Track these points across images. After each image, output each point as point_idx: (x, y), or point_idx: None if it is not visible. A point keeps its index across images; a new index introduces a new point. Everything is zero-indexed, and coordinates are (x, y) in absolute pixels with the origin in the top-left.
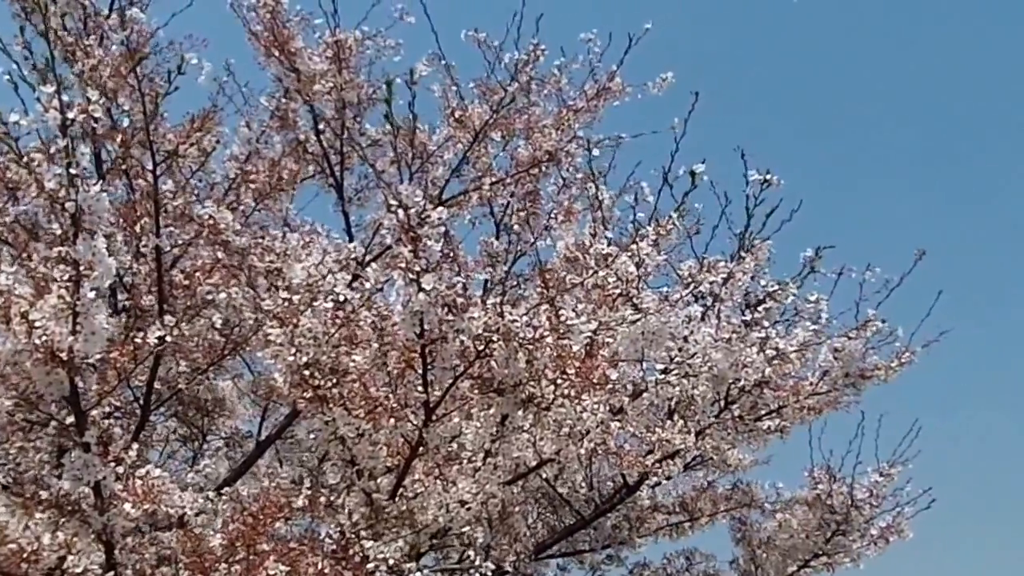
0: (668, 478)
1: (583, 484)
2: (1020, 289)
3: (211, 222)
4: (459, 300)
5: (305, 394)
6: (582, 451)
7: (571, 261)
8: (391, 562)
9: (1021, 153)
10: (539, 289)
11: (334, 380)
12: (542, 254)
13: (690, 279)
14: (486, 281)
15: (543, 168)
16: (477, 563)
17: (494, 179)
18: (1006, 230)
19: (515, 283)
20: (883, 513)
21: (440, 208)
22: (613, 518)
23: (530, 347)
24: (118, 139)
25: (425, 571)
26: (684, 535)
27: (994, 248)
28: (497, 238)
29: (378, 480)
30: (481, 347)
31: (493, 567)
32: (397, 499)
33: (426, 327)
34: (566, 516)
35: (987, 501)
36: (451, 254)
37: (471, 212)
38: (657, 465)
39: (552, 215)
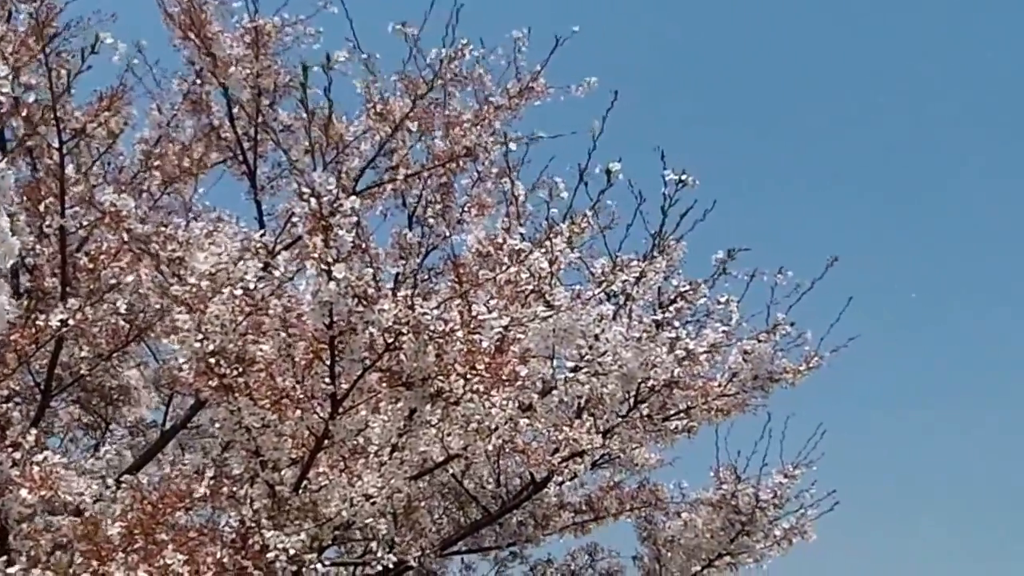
0: (575, 476)
1: (490, 480)
2: (931, 295)
3: (113, 209)
4: (369, 291)
5: (210, 383)
6: (490, 447)
7: (483, 255)
8: (291, 552)
9: (941, 159)
10: (451, 283)
11: (240, 369)
12: (455, 248)
13: (603, 277)
14: (397, 274)
15: (459, 163)
16: (379, 555)
17: (409, 172)
18: (920, 237)
19: (427, 276)
20: (787, 514)
21: (353, 198)
22: (519, 515)
23: (440, 341)
24: (23, 115)
25: (327, 563)
26: (588, 532)
27: (907, 254)
28: (410, 230)
29: (282, 472)
30: (391, 340)
31: (395, 561)
32: (301, 491)
33: (335, 318)
34: (472, 512)
35: (891, 503)
36: (363, 245)
37: (384, 204)
38: (564, 463)
39: (465, 208)
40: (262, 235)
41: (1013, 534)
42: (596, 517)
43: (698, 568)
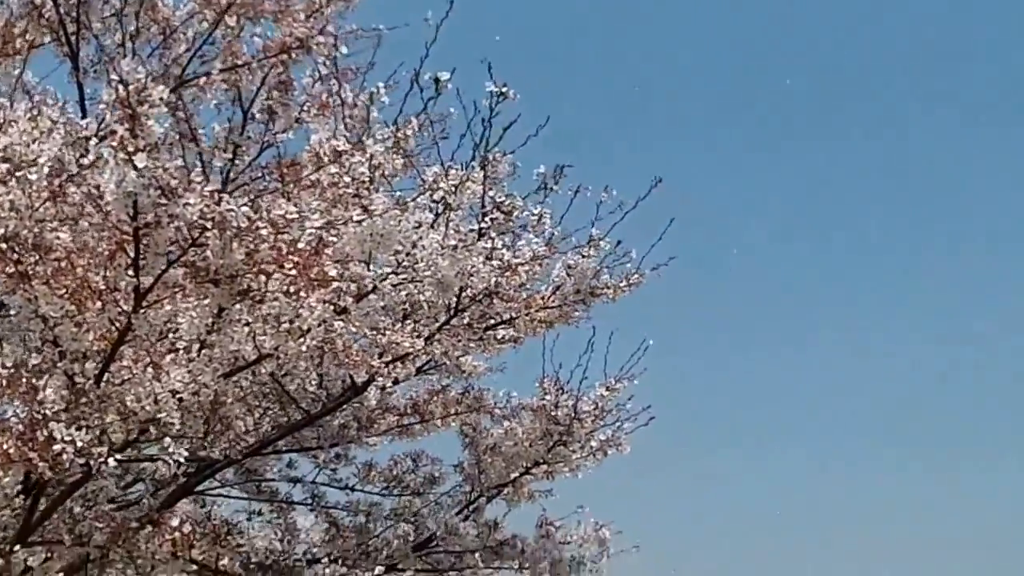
0: (399, 380)
1: (312, 382)
2: (749, 221)
3: None
4: (174, 184)
5: (6, 269)
6: (303, 348)
7: (318, 157)
8: (79, 445)
9: (766, 74)
10: (275, 182)
11: (37, 256)
12: (295, 147)
13: (426, 186)
14: (228, 171)
15: (293, 56)
16: (173, 452)
17: (239, 62)
18: (738, 162)
19: (261, 175)
20: (604, 427)
21: (161, 88)
22: (341, 417)
23: (249, 239)
24: None
25: (118, 458)
26: (415, 437)
27: (729, 180)
28: (244, 126)
29: (84, 364)
30: (196, 234)
31: (203, 456)
32: (103, 384)
33: (140, 210)
34: (293, 413)
35: (706, 422)
36: (192, 136)
37: (215, 96)
38: (385, 367)
39: (304, 107)
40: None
41: (829, 457)
42: (421, 420)
43: (516, 475)
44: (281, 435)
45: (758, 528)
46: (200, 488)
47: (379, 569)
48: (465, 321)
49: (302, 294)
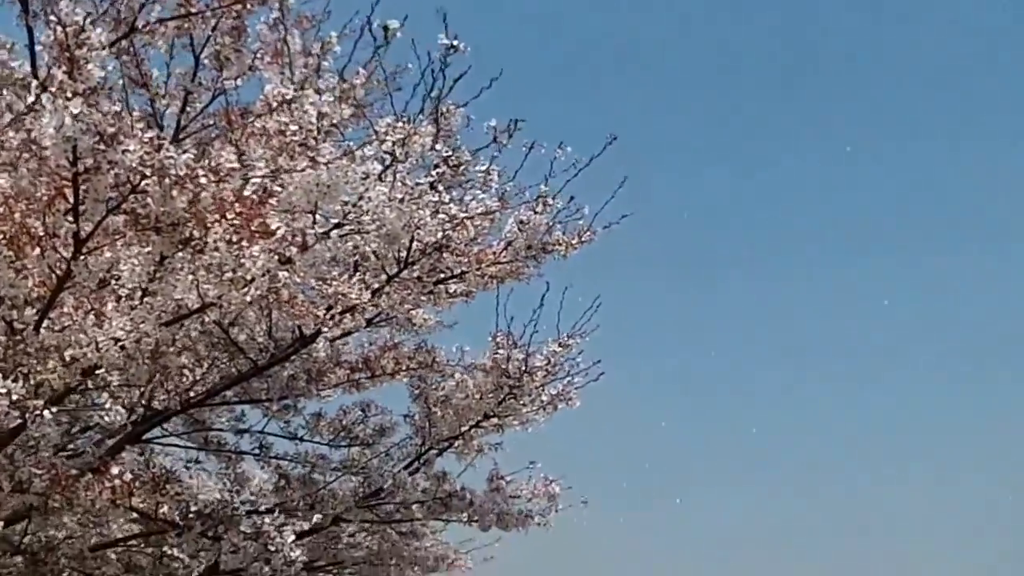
0: (349, 333)
1: (261, 333)
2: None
3: None
4: (113, 130)
5: None
6: (248, 298)
7: (268, 105)
8: (14, 397)
9: (715, 44)
10: (223, 129)
11: None
12: (249, 97)
13: (376, 137)
14: (179, 118)
15: (249, 6)
16: (108, 407)
17: (193, 10)
18: (693, 120)
19: (212, 123)
20: (555, 381)
21: (99, 31)
22: (290, 369)
23: (190, 187)
24: None
25: (54, 411)
26: (365, 390)
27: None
28: (195, 73)
29: (22, 311)
30: (137, 182)
31: (149, 406)
32: (43, 331)
33: (79, 156)
34: (242, 364)
35: (655, 376)
36: (142, 82)
37: (167, 42)
38: (331, 319)
39: (258, 55)
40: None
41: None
42: (372, 375)
43: (467, 428)
44: (228, 385)
45: (706, 482)
46: (148, 437)
47: (317, 517)
48: (415, 274)
49: (244, 244)
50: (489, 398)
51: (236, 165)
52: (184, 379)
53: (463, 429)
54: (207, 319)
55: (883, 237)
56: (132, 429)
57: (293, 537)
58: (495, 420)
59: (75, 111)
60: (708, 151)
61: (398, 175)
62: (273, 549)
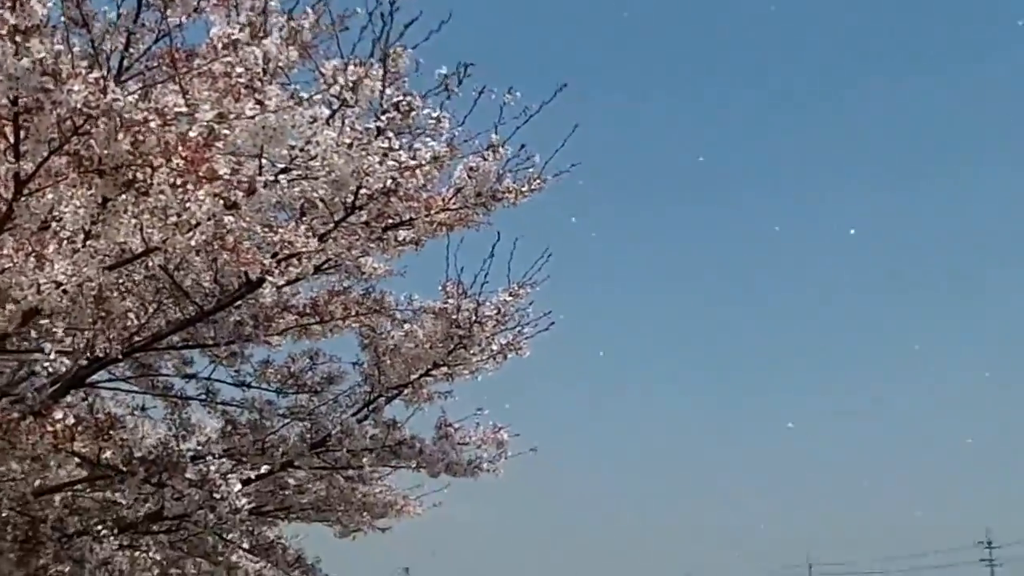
0: (296, 280)
1: (207, 279)
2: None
3: None
4: (58, 69)
5: None
6: (192, 243)
7: (214, 48)
8: None
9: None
10: (167, 71)
11: None
12: (193, 37)
13: (323, 80)
14: (122, 59)
15: None
16: (52, 356)
17: None
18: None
19: (156, 64)
20: (505, 331)
21: None
22: (237, 314)
23: (135, 129)
24: None
25: None
26: (315, 338)
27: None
28: (138, 13)
29: None
30: (80, 122)
31: (89, 352)
32: None
33: (20, 94)
34: (189, 309)
35: (612, 324)
36: (83, 21)
37: None
38: (277, 265)
39: None
40: None
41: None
42: (321, 321)
43: (416, 376)
44: (174, 330)
45: (654, 433)
46: (93, 381)
47: (264, 468)
48: (362, 220)
49: (190, 187)
50: (439, 347)
51: (182, 108)
52: (130, 323)
53: (412, 378)
54: (151, 263)
55: None
56: (76, 373)
57: (239, 486)
58: (444, 369)
59: (16, 48)
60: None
61: (347, 120)
62: (218, 497)
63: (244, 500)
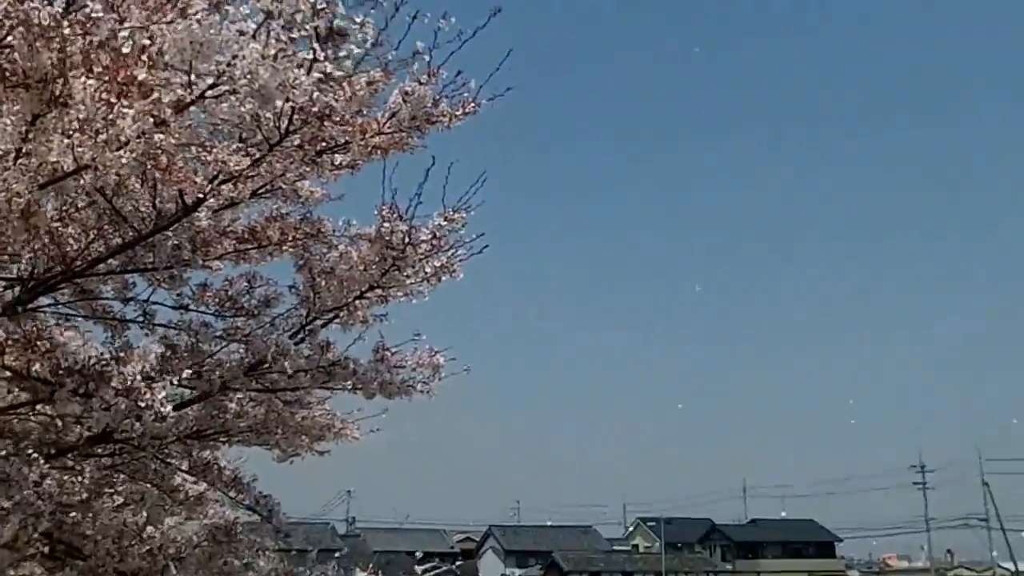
0: (234, 204)
1: (145, 203)
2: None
3: None
4: None
5: None
6: (123, 161)
7: None
8: None
9: None
10: None
11: None
12: None
13: None
14: None
15: None
16: None
17: None
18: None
19: None
20: (439, 253)
21: None
22: (175, 238)
23: (56, 40)
24: None
25: None
26: (252, 261)
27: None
28: None
29: None
30: (1, 35)
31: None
32: None
33: None
34: (128, 234)
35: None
36: None
37: None
38: (212, 187)
39: None
40: None
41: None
42: (259, 246)
43: (351, 298)
44: (112, 253)
45: (584, 354)
46: (34, 306)
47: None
48: (296, 143)
49: (113, 100)
50: (373, 269)
51: (103, 16)
52: (70, 249)
53: (347, 300)
54: (84, 181)
55: None
56: (16, 297)
57: (164, 393)
58: (379, 291)
59: None
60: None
61: (272, 33)
62: (143, 405)
63: (169, 408)
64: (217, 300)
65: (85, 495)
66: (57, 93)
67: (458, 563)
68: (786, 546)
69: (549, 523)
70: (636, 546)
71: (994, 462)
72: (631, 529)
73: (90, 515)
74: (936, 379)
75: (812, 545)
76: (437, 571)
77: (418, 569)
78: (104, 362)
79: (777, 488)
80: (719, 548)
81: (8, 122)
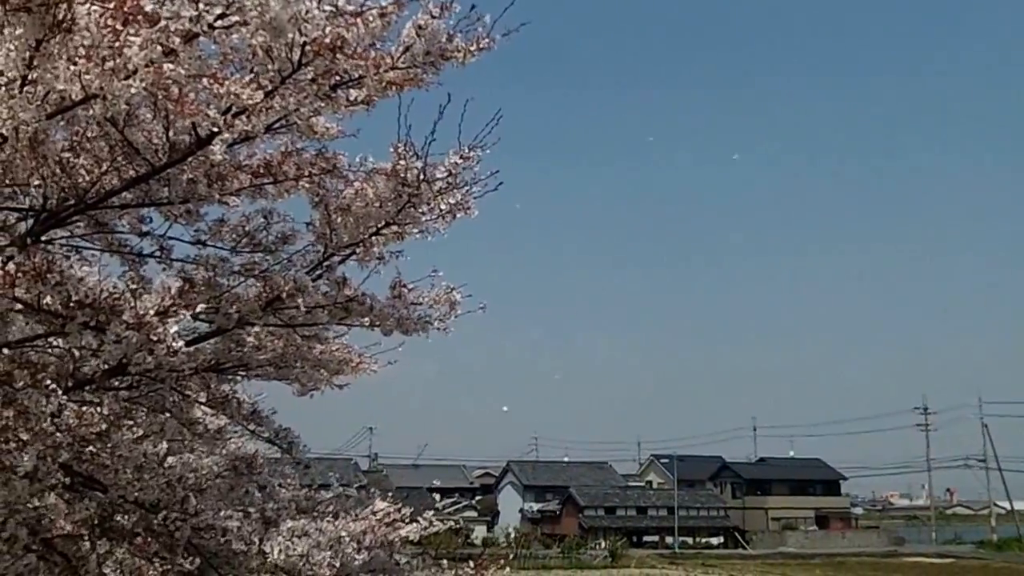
0: (248, 138)
1: (158, 135)
2: None
3: None
4: None
5: None
6: (132, 90)
7: None
8: None
9: None
10: None
11: None
12: None
13: None
14: None
15: None
16: None
17: None
18: None
19: None
20: (454, 190)
21: None
22: (190, 172)
23: None
24: None
25: None
26: (268, 197)
27: None
28: None
29: None
30: None
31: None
32: None
33: None
34: (141, 166)
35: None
36: None
37: None
38: (225, 120)
39: None
40: None
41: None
42: (274, 180)
43: (367, 235)
44: (126, 186)
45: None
46: (47, 239)
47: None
48: (308, 76)
49: (119, 27)
50: (389, 206)
51: None
52: (82, 180)
53: (364, 236)
54: (93, 111)
55: None
56: (28, 229)
57: (176, 328)
58: (395, 228)
59: None
60: None
61: None
62: (155, 339)
63: (181, 343)
64: (234, 236)
65: (104, 427)
66: (60, 17)
67: (478, 498)
68: (793, 484)
69: (566, 459)
70: (650, 482)
71: (993, 404)
72: (645, 466)
73: (109, 447)
74: (943, 323)
75: (819, 483)
76: (457, 506)
77: (438, 499)
78: (117, 295)
79: (786, 428)
80: (729, 485)
81: (12, 47)
